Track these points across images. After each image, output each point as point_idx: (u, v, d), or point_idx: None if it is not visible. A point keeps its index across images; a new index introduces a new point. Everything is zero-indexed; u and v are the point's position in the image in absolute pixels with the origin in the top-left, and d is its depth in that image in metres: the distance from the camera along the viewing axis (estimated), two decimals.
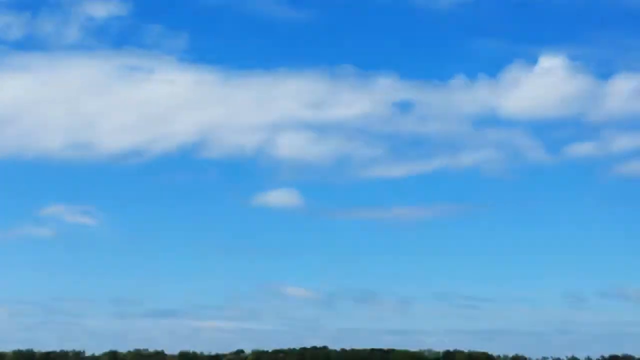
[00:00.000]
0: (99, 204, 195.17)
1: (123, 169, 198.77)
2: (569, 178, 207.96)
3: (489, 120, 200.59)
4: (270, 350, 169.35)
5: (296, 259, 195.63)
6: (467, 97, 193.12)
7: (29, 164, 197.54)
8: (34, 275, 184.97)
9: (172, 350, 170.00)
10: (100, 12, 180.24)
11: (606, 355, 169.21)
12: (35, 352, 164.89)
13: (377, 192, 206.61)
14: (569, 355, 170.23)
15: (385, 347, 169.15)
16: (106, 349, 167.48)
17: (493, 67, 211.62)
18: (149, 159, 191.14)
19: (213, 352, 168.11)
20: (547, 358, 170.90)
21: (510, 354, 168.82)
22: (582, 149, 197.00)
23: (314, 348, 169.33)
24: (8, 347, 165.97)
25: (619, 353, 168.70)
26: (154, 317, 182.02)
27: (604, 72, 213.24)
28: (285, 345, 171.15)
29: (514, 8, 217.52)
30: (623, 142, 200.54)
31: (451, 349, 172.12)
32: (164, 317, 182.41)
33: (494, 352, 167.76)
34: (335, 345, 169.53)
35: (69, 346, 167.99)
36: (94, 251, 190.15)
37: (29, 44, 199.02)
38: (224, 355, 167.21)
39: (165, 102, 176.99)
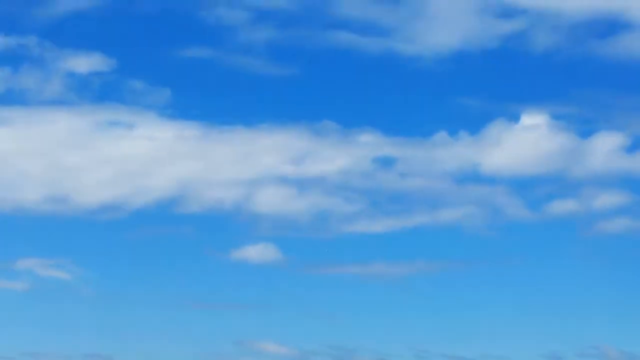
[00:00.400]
0: (74, 258, 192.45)
1: (100, 223, 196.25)
2: (550, 235, 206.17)
3: (470, 177, 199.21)
4: None
5: (274, 315, 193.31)
6: (449, 153, 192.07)
7: (6, 217, 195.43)
8: (7, 330, 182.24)
9: None
10: (82, 67, 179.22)
11: None
12: None
13: (357, 248, 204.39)
14: None
15: None
16: None
17: (475, 125, 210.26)
18: (127, 214, 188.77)
19: None
20: None
21: None
22: (564, 206, 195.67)
23: None
24: None
25: None
26: None
27: (586, 131, 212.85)
28: None
29: (497, 66, 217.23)
30: (604, 200, 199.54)
31: None
32: None
33: None
34: None
35: None
36: (69, 306, 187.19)
37: (9, 99, 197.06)
38: None
39: (145, 156, 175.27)
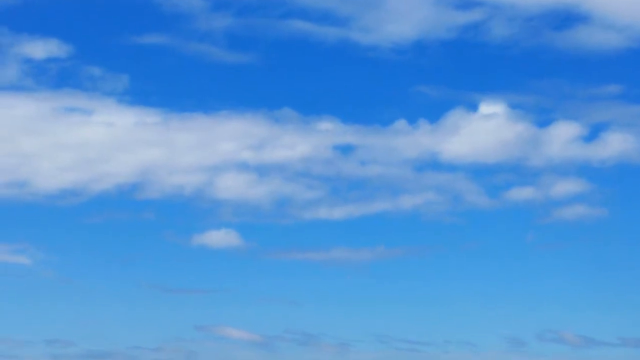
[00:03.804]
0: (35, 243, 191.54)
1: (60, 209, 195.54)
2: (509, 222, 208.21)
3: (430, 165, 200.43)
4: None
5: (236, 301, 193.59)
6: (408, 141, 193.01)
7: None
8: None
9: None
10: (39, 53, 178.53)
11: None
12: None
13: (318, 234, 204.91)
14: None
15: None
16: None
17: (434, 113, 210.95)
18: (87, 199, 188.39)
19: None
20: None
21: None
22: (522, 193, 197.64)
23: None
24: None
25: None
26: (89, 359, 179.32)
27: (543, 120, 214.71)
28: None
29: (455, 57, 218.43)
30: (561, 188, 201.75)
31: None
32: (99, 359, 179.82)
33: None
34: None
35: None
36: (29, 291, 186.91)
37: None
38: None
39: (104, 143, 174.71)
